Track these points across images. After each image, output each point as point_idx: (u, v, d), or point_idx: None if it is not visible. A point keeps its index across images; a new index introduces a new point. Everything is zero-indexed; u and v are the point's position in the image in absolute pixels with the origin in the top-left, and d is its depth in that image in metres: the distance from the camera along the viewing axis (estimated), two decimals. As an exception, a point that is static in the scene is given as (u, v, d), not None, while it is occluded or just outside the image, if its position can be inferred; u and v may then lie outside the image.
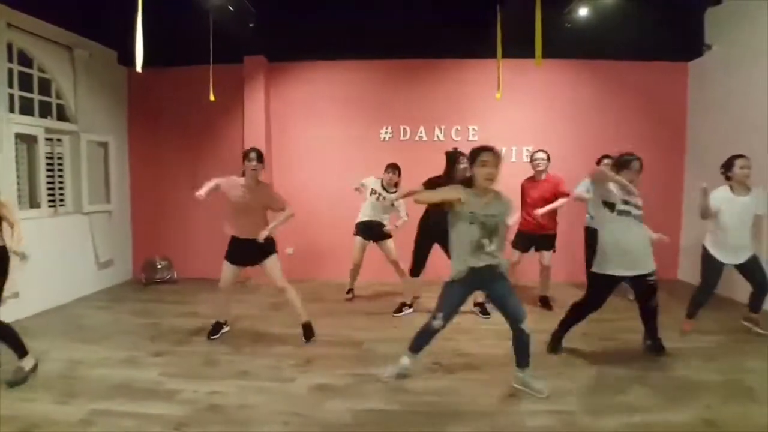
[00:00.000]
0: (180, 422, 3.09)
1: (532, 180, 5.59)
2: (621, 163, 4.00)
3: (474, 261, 3.35)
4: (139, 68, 3.94)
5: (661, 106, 7.05)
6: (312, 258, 7.12)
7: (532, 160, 5.55)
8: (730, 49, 6.19)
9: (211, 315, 4.84)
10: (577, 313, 4.24)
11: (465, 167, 4.70)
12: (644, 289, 4.09)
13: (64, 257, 5.92)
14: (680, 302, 5.01)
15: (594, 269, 4.07)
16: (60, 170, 6.08)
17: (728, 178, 4.49)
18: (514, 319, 3.46)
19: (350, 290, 6.16)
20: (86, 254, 6.39)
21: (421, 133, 7.04)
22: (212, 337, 4.61)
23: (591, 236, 5.62)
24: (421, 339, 3.66)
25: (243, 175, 4.48)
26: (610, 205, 3.91)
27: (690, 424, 3.04)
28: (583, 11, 5.80)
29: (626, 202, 3.89)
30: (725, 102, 6.23)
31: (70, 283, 6.02)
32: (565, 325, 4.30)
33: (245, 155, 4.45)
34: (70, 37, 5.99)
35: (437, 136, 7.02)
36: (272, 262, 4.61)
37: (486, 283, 3.53)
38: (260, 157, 4.46)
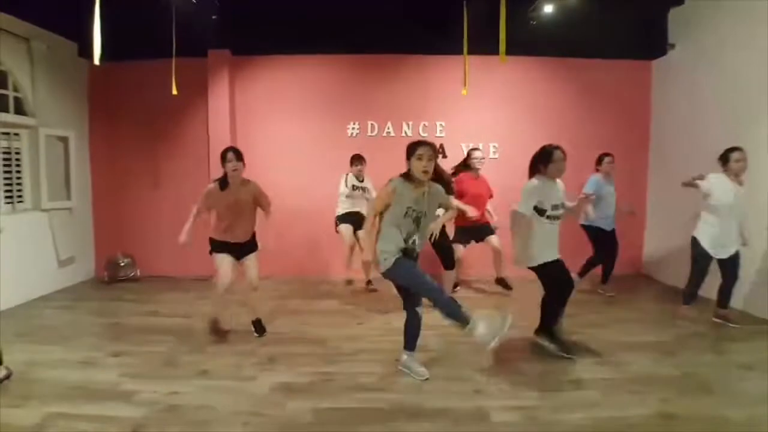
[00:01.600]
0: (138, 424, 3.02)
1: (471, 176, 5.72)
2: (544, 156, 4.03)
3: (402, 245, 3.50)
4: (97, 61, 3.86)
5: (625, 105, 7.17)
6: (277, 254, 7.00)
7: (472, 157, 5.71)
8: (692, 48, 6.30)
9: (212, 314, 4.65)
10: (552, 305, 4.28)
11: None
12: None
13: (22, 255, 5.73)
14: (643, 297, 5.09)
15: (532, 264, 4.09)
16: (18, 166, 5.89)
17: (725, 171, 4.59)
18: (413, 302, 3.65)
19: (369, 281, 6.21)
20: (46, 252, 6.22)
21: (388, 128, 7.02)
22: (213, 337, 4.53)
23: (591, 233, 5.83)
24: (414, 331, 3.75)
25: (224, 177, 4.39)
26: (540, 211, 3.97)
27: (649, 417, 3.10)
28: (548, 9, 5.87)
29: (555, 207, 4.01)
30: (688, 100, 6.34)
31: (29, 282, 5.86)
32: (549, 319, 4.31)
33: (222, 156, 4.36)
34: (26, 28, 5.78)
35: (405, 132, 7.00)
36: (254, 260, 4.57)
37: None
38: (239, 156, 4.38)
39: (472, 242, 5.88)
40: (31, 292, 5.88)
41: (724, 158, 4.59)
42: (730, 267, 4.66)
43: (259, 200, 4.50)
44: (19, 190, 5.89)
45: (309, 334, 4.64)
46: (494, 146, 6.96)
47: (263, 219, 4.56)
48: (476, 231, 5.78)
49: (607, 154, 5.85)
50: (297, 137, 6.97)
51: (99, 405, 3.26)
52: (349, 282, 6.15)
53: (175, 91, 5.44)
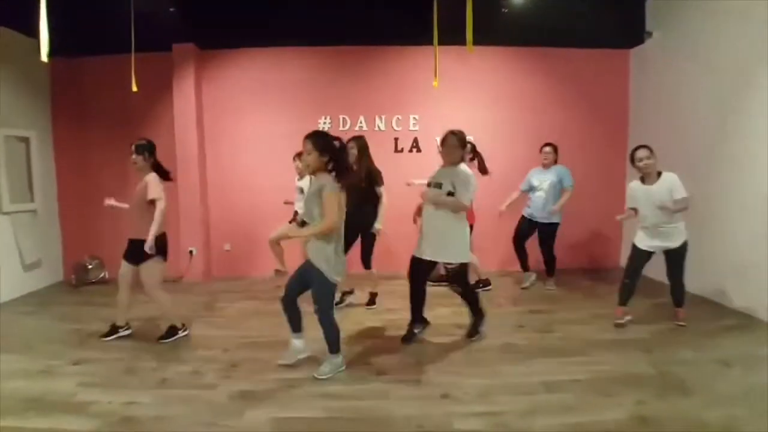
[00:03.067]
0: (90, 438, 2.89)
1: None
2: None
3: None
4: (44, 57, 3.65)
5: (602, 94, 7.09)
6: (248, 254, 6.93)
7: None
8: (671, 36, 6.20)
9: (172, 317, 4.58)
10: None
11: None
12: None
13: (-17, 260, 5.54)
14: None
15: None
16: (-24, 167, 5.69)
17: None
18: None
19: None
20: (10, 256, 6.01)
21: (361, 122, 6.88)
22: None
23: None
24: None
25: (156, 169, 4.43)
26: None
27: (623, 422, 2.99)
28: (520, -5, 5.77)
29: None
30: (667, 89, 6.26)
31: (-9, 287, 5.66)
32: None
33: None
34: (-20, 24, 5.57)
35: (378, 126, 6.88)
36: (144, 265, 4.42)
37: (308, 267, 3.61)
38: (138, 148, 4.35)
39: None
40: (-6, 297, 5.69)
41: (631, 158, 4.56)
42: (675, 261, 4.57)
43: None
44: (-21, 193, 5.68)
45: (275, 336, 4.46)
46: (470, 139, 6.82)
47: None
48: None
49: (546, 144, 5.94)
50: (266, 133, 6.81)
51: (51, 418, 3.12)
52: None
53: (135, 88, 5.24)
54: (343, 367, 3.74)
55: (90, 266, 6.52)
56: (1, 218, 5.90)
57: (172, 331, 4.48)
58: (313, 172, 3.57)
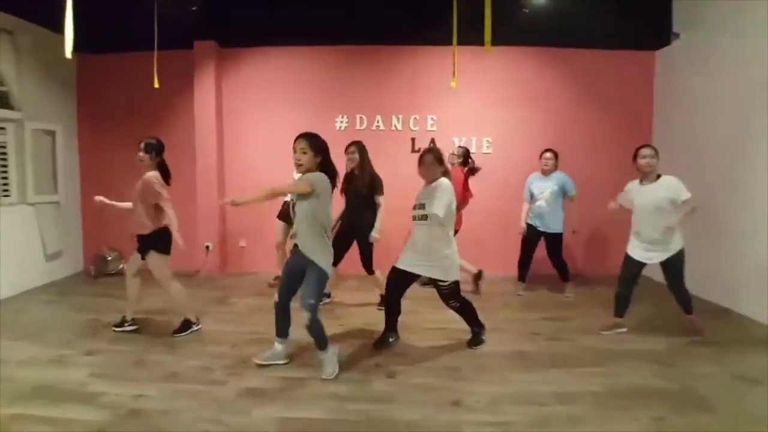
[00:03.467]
0: (98, 428, 2.92)
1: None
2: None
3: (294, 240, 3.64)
4: (68, 54, 3.73)
5: (626, 96, 6.94)
6: (264, 250, 6.91)
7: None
8: (698, 37, 6.04)
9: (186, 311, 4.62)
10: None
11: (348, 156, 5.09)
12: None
13: (8, 249, 5.66)
14: (639, 300, 4.88)
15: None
16: (3, 160, 5.79)
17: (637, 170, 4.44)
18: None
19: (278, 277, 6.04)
20: (33, 246, 6.16)
21: (378, 122, 6.86)
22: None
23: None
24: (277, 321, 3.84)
25: (159, 167, 4.42)
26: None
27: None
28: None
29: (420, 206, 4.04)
30: (693, 91, 6.09)
31: (14, 276, 5.77)
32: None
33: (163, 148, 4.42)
34: (11, 21, 5.69)
35: (395, 126, 6.86)
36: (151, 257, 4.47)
37: (299, 263, 3.61)
38: (147, 147, 4.34)
39: None
40: (17, 285, 5.82)
41: (633, 156, 4.44)
42: (671, 271, 4.42)
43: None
44: (5, 184, 5.79)
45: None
46: (488, 141, 6.77)
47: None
48: None
49: (546, 150, 5.79)
50: (284, 131, 6.69)
51: (61, 407, 3.16)
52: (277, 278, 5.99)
53: (156, 85, 5.31)
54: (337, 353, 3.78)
55: (109, 258, 6.62)
56: (26, 208, 6.03)
57: (186, 324, 4.51)
58: (305, 172, 3.57)
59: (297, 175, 5.34)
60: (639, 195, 4.36)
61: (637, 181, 4.46)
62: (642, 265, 4.42)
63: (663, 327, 4.66)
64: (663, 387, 3.50)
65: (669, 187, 4.25)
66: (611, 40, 6.69)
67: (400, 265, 4.08)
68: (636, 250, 4.42)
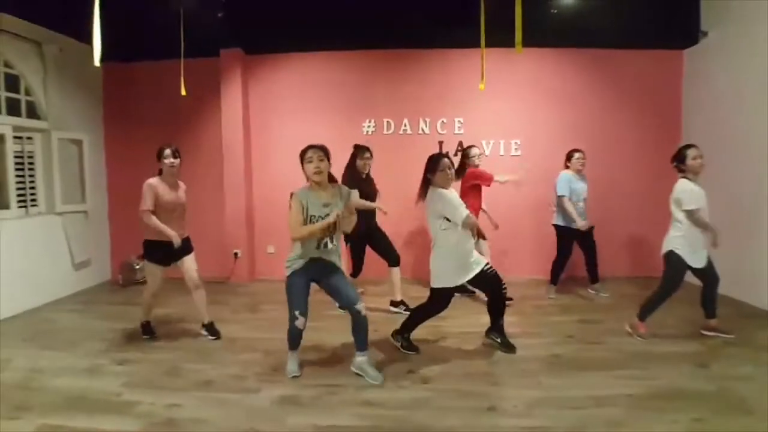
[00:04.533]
0: (131, 439, 2.90)
1: None
2: (431, 165, 3.99)
3: (314, 254, 3.55)
4: (97, 62, 3.76)
5: (654, 96, 6.82)
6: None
7: (470, 155, 5.54)
8: (726, 36, 5.94)
9: (142, 316, 4.71)
10: (421, 314, 4.22)
11: (365, 162, 5.07)
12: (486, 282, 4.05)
13: (36, 259, 5.73)
14: (671, 302, 4.76)
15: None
16: (31, 169, 5.87)
17: (682, 171, 4.31)
18: (348, 303, 3.57)
19: None
20: (61, 255, 6.20)
21: (405, 126, 6.82)
22: (153, 336, 4.61)
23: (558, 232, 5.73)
24: (293, 338, 3.70)
25: (160, 173, 4.42)
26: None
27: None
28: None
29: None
30: (721, 91, 5.99)
31: (43, 285, 5.83)
32: (408, 327, 4.24)
33: (159, 153, 4.41)
34: (38, 31, 5.75)
35: (422, 129, 6.81)
36: (192, 258, 4.57)
37: (321, 273, 3.62)
38: (176, 153, 4.41)
39: None
40: (45, 295, 5.86)
41: (681, 157, 4.30)
42: (709, 273, 4.31)
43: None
44: (32, 194, 5.87)
45: (321, 341, 4.44)
46: (516, 143, 6.70)
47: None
48: None
49: (577, 150, 5.67)
50: (311, 136, 6.61)
51: (95, 417, 3.15)
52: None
53: (183, 92, 5.35)
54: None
55: (137, 266, 6.64)
56: (54, 218, 6.08)
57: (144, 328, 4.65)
58: (322, 180, 3.52)
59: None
60: (702, 197, 4.24)
61: (689, 182, 4.29)
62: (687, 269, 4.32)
63: (696, 329, 4.56)
64: (701, 388, 3.43)
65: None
66: (638, 40, 6.61)
67: (469, 276, 3.96)
68: (689, 255, 4.28)
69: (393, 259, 5.26)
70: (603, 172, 6.32)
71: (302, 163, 3.52)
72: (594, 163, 5.89)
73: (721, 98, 6.00)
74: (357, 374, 3.67)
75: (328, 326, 4.81)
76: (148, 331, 4.64)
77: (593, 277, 5.92)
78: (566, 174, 5.66)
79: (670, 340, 4.36)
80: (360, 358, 3.66)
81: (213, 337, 4.55)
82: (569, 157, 5.71)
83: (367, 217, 4.96)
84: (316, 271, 3.61)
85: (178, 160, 4.40)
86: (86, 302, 5.97)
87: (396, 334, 4.27)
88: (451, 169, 3.98)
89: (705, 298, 4.43)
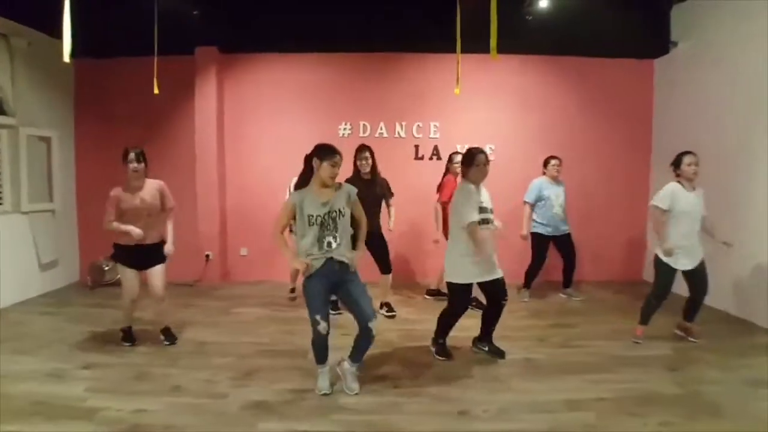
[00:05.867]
0: (94, 446, 2.83)
1: (454, 179, 5.53)
2: (466, 159, 4.00)
3: (320, 255, 3.36)
4: (66, 58, 3.66)
5: (626, 104, 6.97)
6: (266, 259, 6.86)
7: (453, 161, 5.56)
8: (696, 46, 6.10)
9: (122, 322, 4.56)
10: (445, 317, 4.18)
11: (363, 161, 5.04)
12: (498, 290, 4.03)
13: (1, 259, 5.55)
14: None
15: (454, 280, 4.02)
16: (-4, 167, 5.70)
17: (678, 175, 4.37)
18: (363, 319, 3.41)
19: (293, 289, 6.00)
20: (27, 255, 6.03)
21: (381, 129, 6.82)
22: (132, 344, 4.45)
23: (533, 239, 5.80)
24: (319, 349, 3.52)
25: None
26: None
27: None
28: (543, 4, 5.75)
29: (483, 210, 3.93)
30: (692, 100, 6.14)
31: (9, 286, 5.65)
32: (438, 332, 4.22)
33: (124, 155, 4.25)
34: (5, 23, 5.57)
35: (398, 133, 6.81)
36: (161, 270, 4.41)
37: (339, 279, 3.45)
38: (140, 156, 4.26)
39: None
40: (12, 296, 5.70)
41: (677, 162, 4.37)
42: (698, 279, 4.39)
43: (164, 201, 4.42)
44: (-2, 192, 5.70)
45: (291, 344, 4.41)
46: (491, 148, 6.72)
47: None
48: None
49: (553, 157, 5.80)
50: (286, 137, 6.75)
51: (58, 424, 3.07)
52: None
53: (156, 91, 5.26)
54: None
55: (106, 268, 6.49)
56: (20, 217, 5.91)
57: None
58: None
59: (292, 186, 5.35)
60: (686, 201, 4.28)
61: (677, 185, 4.35)
62: (675, 271, 4.38)
63: (668, 333, 4.65)
64: (671, 392, 3.50)
65: (702, 198, 4.33)
66: (612, 49, 6.74)
67: (490, 277, 3.95)
68: (671, 258, 4.33)
69: (385, 268, 5.28)
70: (575, 177, 6.40)
71: (321, 160, 3.37)
72: (567, 168, 5.96)
73: (690, 106, 6.15)
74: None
75: (300, 330, 4.76)
76: (128, 337, 4.47)
77: (567, 281, 6.02)
78: (537, 181, 5.79)
79: (642, 345, 4.44)
80: (348, 366, 3.57)
81: (168, 342, 4.45)
82: (545, 163, 5.83)
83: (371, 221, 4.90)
84: (333, 275, 3.41)
85: (141, 165, 4.22)
86: (53, 304, 5.81)
87: (432, 340, 4.25)
88: (487, 164, 3.98)
89: (687, 301, 4.54)
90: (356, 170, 5.12)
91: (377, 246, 5.17)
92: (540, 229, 5.76)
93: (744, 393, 3.49)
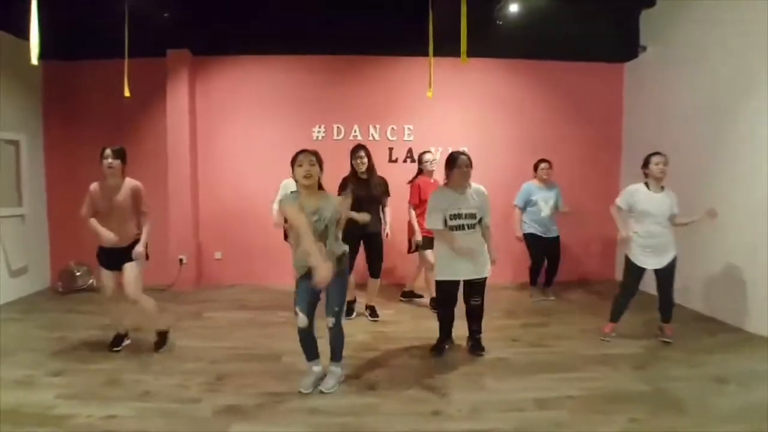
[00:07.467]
0: (64, 454, 2.78)
1: (427, 180, 5.52)
2: (449, 162, 4.08)
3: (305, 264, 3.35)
4: (34, 60, 3.60)
5: (597, 107, 7.10)
6: (241, 262, 6.83)
7: (423, 161, 5.56)
8: (664, 50, 6.25)
9: (113, 327, 4.49)
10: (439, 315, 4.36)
11: (358, 161, 5.04)
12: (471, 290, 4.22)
13: (-32, 265, 5.43)
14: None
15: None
16: (-38, 171, 5.59)
17: (646, 175, 4.50)
18: (326, 313, 3.53)
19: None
20: (-5, 261, 5.91)
21: (355, 132, 6.83)
22: (114, 350, 4.35)
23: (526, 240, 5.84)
24: (304, 344, 3.59)
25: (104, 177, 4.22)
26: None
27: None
28: (513, 8, 5.85)
29: (455, 216, 4.03)
30: (661, 102, 6.27)
31: (-23, 293, 5.53)
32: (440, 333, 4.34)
33: (101, 154, 4.18)
34: (-31, 25, 5.48)
35: (372, 136, 6.83)
36: (132, 267, 4.30)
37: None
38: (117, 153, 4.17)
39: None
40: (-21, 304, 5.56)
41: (645, 162, 4.50)
42: (662, 276, 4.49)
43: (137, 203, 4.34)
44: (-36, 197, 5.58)
45: (265, 348, 4.40)
46: (464, 150, 6.76)
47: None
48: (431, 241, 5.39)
49: (543, 161, 5.95)
50: (260, 140, 6.74)
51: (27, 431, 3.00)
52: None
53: (127, 93, 5.20)
54: (343, 377, 3.71)
55: (78, 273, 6.39)
56: (-12, 223, 5.78)
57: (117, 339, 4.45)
58: (312, 184, 3.39)
59: (282, 191, 5.29)
60: (648, 201, 4.40)
61: (641, 186, 4.49)
62: (643, 270, 4.48)
63: (636, 332, 4.75)
64: (639, 390, 3.57)
65: (672, 198, 4.42)
66: (582, 53, 6.87)
67: (462, 277, 4.11)
68: (638, 256, 4.46)
69: (375, 272, 5.27)
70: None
71: (293, 167, 3.38)
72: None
73: (659, 108, 6.29)
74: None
75: (274, 333, 4.78)
76: (116, 342, 4.40)
77: (547, 282, 6.16)
78: (527, 185, 5.97)
79: (611, 343, 4.52)
80: (331, 366, 3.65)
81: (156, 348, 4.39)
82: (535, 167, 6.00)
83: (371, 220, 4.83)
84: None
85: (117, 161, 4.14)
86: (23, 311, 5.70)
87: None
88: (469, 167, 4.05)
89: (658, 300, 4.61)
90: (353, 170, 5.12)
91: (373, 247, 5.18)
92: (532, 230, 5.94)
93: (708, 389, 3.57)
